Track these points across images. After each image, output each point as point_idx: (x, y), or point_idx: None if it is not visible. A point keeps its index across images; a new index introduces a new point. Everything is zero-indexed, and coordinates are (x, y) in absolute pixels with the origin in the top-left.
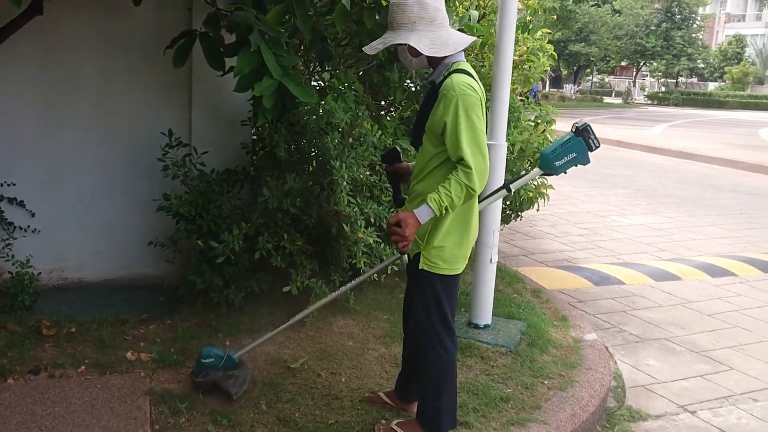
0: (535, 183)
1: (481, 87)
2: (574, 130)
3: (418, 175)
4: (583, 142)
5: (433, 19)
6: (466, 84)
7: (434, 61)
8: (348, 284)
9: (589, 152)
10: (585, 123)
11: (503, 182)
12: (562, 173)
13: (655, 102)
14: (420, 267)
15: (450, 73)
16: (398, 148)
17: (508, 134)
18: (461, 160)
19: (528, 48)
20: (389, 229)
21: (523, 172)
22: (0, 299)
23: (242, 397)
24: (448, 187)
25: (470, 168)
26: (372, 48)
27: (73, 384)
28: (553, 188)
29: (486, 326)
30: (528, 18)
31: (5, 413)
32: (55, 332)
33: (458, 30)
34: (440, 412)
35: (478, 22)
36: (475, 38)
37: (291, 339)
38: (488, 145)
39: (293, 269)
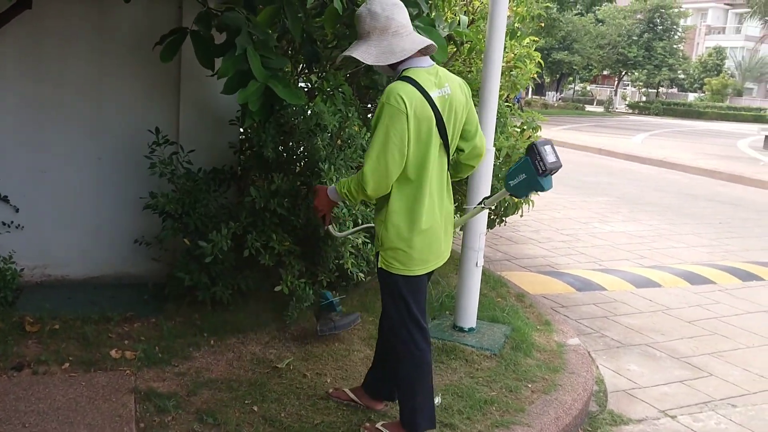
0: None
1: (426, 96)
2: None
3: None
4: (530, 163)
5: (385, 29)
6: (396, 93)
7: (393, 69)
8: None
9: (538, 176)
10: (533, 143)
11: (487, 191)
12: (524, 196)
13: (636, 111)
14: (379, 266)
15: (396, 80)
16: None
17: (494, 140)
18: (366, 160)
19: (515, 55)
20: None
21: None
22: None
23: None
24: (350, 180)
25: (366, 170)
26: (339, 58)
27: (57, 381)
28: (539, 194)
29: (471, 329)
30: (516, 25)
31: None
32: (39, 329)
33: (447, 36)
34: (415, 412)
35: (467, 27)
36: (429, 42)
37: (276, 339)
38: None
39: (282, 269)
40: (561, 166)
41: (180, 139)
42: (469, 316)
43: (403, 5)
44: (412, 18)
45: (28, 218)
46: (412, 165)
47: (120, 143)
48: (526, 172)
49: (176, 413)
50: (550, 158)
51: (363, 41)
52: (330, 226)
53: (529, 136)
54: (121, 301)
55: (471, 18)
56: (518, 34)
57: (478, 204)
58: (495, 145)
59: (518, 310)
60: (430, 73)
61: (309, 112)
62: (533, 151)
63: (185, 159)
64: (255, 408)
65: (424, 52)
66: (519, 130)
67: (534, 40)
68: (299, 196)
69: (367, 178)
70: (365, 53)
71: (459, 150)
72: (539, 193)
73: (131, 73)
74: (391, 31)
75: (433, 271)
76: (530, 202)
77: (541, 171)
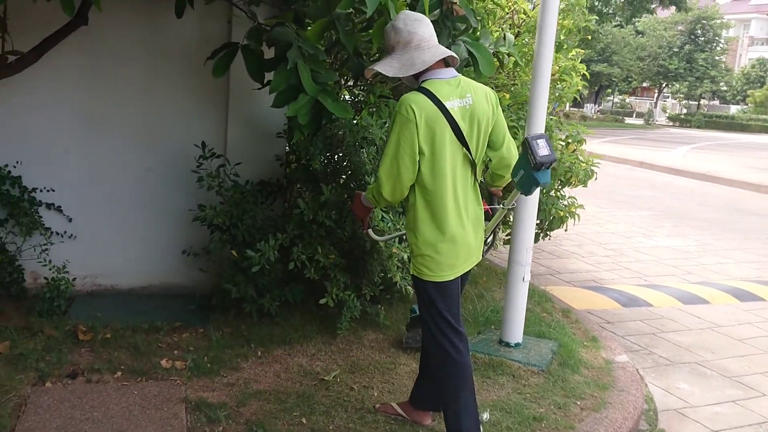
0: (566, 202)
1: (440, 106)
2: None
3: None
4: (525, 158)
5: (408, 43)
6: (406, 103)
7: (417, 80)
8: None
9: (534, 171)
10: (526, 137)
11: (535, 203)
12: (529, 192)
13: (677, 124)
14: (411, 273)
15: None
16: None
17: None
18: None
19: (561, 68)
20: None
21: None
22: (37, 304)
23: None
24: (373, 184)
25: (380, 176)
26: (368, 72)
27: (110, 389)
28: (584, 208)
29: (517, 345)
30: (562, 38)
31: (45, 416)
32: (91, 337)
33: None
34: (459, 415)
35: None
36: (449, 53)
37: (322, 351)
38: None
39: (327, 282)
40: (555, 159)
41: (227, 152)
42: (516, 332)
43: (426, 20)
44: (459, 33)
45: (80, 228)
46: (430, 173)
47: (169, 155)
48: (524, 167)
49: (227, 424)
50: (541, 151)
51: (388, 55)
52: (369, 230)
53: (574, 150)
54: (169, 311)
55: (515, 31)
56: (564, 47)
57: (498, 207)
58: None
59: (564, 325)
60: (450, 84)
61: (356, 125)
62: (525, 145)
63: (232, 171)
64: (303, 420)
65: (447, 64)
66: (564, 143)
67: (579, 52)
68: (345, 208)
69: (382, 181)
70: (388, 66)
71: (488, 159)
72: (582, 207)
73: (181, 87)
74: (413, 44)
75: (467, 273)
76: (576, 216)
77: (532, 165)
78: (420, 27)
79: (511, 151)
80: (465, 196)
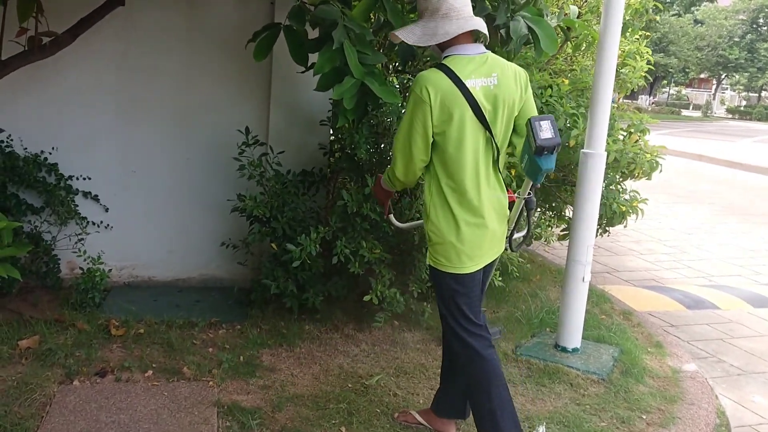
0: (628, 196)
1: (460, 84)
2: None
3: None
4: (527, 140)
5: (436, 10)
6: (421, 83)
7: (438, 51)
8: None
9: (535, 156)
10: (530, 117)
11: (597, 198)
12: (539, 184)
13: (737, 116)
14: (427, 262)
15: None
16: None
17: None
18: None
19: (624, 51)
20: None
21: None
22: (71, 295)
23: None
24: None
25: (394, 156)
26: (391, 36)
27: (139, 390)
28: (647, 202)
29: (575, 350)
30: (627, 18)
31: (70, 418)
32: (124, 333)
33: (556, 26)
34: (494, 414)
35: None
36: (474, 26)
37: (365, 353)
38: (585, 153)
39: (372, 277)
40: (559, 143)
41: (269, 140)
42: (574, 336)
43: None
44: (519, 8)
45: (117, 218)
46: (449, 155)
47: (208, 143)
48: (528, 152)
49: (260, 430)
50: (543, 134)
51: (414, 23)
52: (391, 216)
53: (637, 140)
54: (206, 305)
55: (578, 12)
56: (629, 30)
57: (522, 199)
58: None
59: (626, 329)
60: (474, 61)
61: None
62: (527, 127)
63: (274, 160)
64: (343, 429)
65: (475, 39)
66: (626, 133)
67: (645, 35)
68: (392, 201)
69: (395, 161)
70: (410, 33)
71: (511, 146)
72: (645, 201)
73: (221, 71)
74: (441, 13)
75: (491, 266)
76: (639, 211)
77: (533, 149)
78: None
79: None
80: (488, 181)
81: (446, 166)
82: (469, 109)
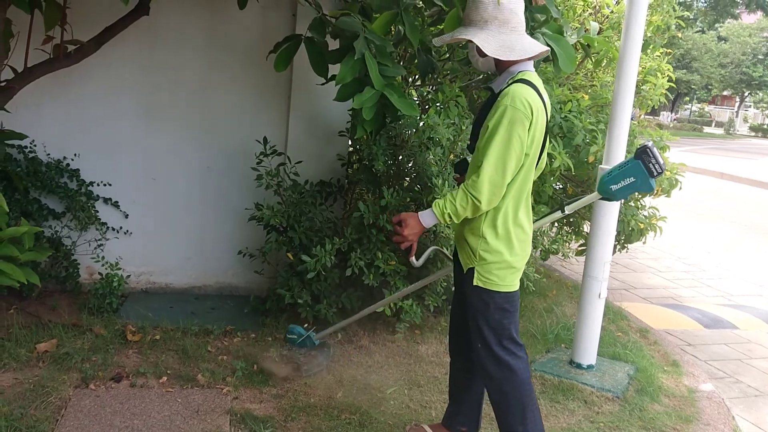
0: (646, 213)
1: (546, 103)
2: (635, 152)
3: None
4: (642, 165)
5: (507, 21)
6: (522, 97)
7: (501, 66)
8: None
9: (650, 178)
10: (645, 145)
11: (615, 215)
12: (622, 199)
13: (760, 134)
14: (474, 283)
15: (514, 82)
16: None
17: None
18: (479, 168)
19: (645, 68)
20: (393, 228)
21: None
22: (89, 300)
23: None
24: (454, 195)
25: (482, 179)
26: (440, 40)
27: (153, 396)
28: (665, 220)
29: (590, 367)
30: (648, 35)
31: (84, 422)
32: (140, 338)
33: (574, 43)
34: None
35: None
36: (548, 48)
37: (379, 364)
38: (604, 169)
39: (387, 289)
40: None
41: (288, 150)
42: (589, 352)
43: (524, 3)
44: (540, 25)
45: (136, 224)
46: (518, 176)
47: (228, 151)
48: (636, 176)
49: None
50: (661, 160)
51: (479, 29)
52: (413, 257)
53: None
54: (222, 313)
55: (600, 28)
56: (651, 46)
57: (556, 208)
58: None
59: (642, 347)
60: (538, 80)
61: (422, 124)
62: (647, 154)
63: (292, 170)
64: None
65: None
66: None
67: (667, 53)
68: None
69: (481, 188)
70: (485, 41)
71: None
72: (664, 219)
73: (242, 81)
74: (511, 26)
75: None
76: (658, 229)
77: (656, 173)
78: (520, 9)
79: (544, 158)
80: (529, 194)
81: (513, 186)
82: (546, 127)
